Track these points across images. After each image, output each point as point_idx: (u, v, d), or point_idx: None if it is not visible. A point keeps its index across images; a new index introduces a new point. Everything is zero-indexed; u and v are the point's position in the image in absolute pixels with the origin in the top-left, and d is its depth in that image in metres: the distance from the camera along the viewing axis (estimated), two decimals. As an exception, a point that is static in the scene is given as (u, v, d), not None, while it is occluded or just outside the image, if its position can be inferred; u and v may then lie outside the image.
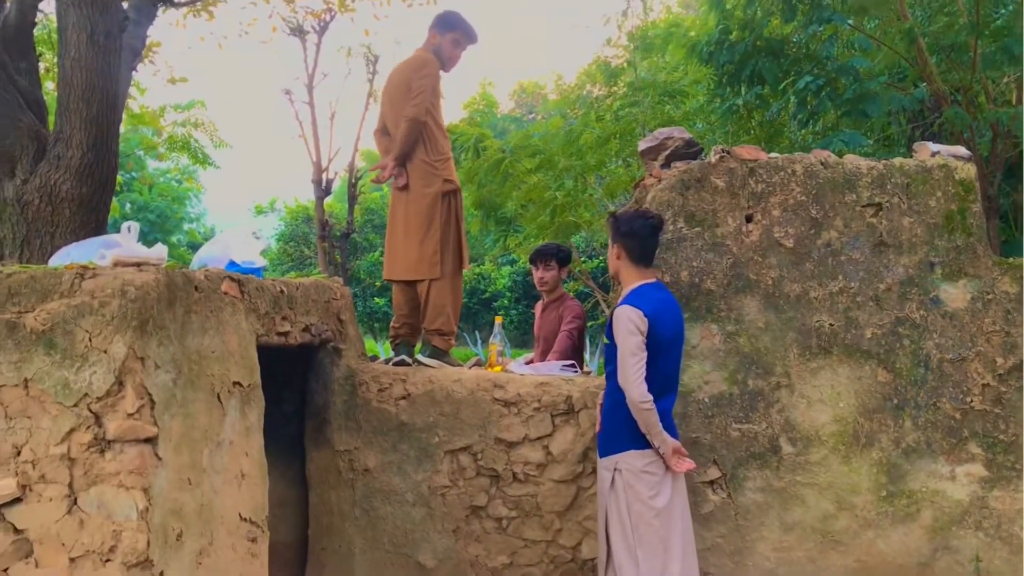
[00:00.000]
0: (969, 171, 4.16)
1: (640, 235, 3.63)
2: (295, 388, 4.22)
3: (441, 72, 4.88)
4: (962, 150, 4.24)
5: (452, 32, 4.88)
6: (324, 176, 13.60)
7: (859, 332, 4.10)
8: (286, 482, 4.17)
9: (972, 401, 4.06)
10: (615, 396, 3.52)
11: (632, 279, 3.65)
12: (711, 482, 4.10)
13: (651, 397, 3.39)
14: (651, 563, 3.41)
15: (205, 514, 2.79)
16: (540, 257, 5.50)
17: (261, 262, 3.74)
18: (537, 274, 5.50)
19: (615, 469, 3.51)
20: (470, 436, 4.09)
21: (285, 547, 4.12)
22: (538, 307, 5.67)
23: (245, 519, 3.04)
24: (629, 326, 3.42)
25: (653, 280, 3.69)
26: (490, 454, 4.08)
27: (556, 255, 5.49)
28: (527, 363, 4.98)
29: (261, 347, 3.33)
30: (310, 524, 4.13)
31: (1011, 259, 4.15)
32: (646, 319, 3.42)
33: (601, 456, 3.63)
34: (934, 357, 4.08)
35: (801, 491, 4.07)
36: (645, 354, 3.41)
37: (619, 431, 3.52)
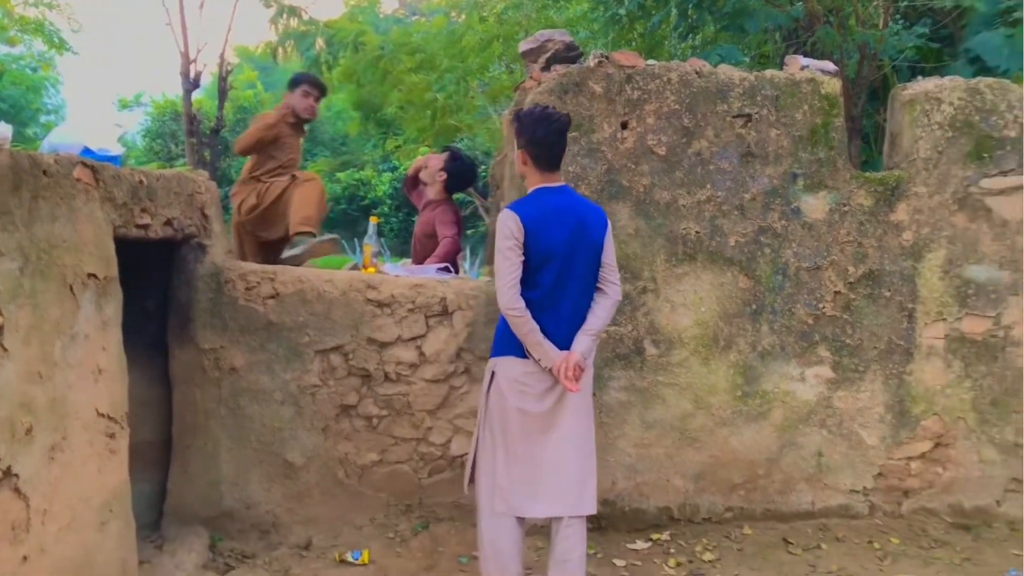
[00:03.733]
0: (835, 86, 4.30)
1: (547, 141, 3.36)
2: (156, 284, 4.06)
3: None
4: (829, 65, 4.37)
5: (298, 86, 5.60)
6: (192, 68, 12.90)
7: (723, 240, 4.24)
8: (148, 381, 4.04)
9: (824, 307, 4.29)
10: None
11: (534, 182, 3.44)
12: (578, 382, 4.21)
13: (521, 305, 3.23)
14: (508, 469, 3.37)
15: (58, 409, 2.68)
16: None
17: (119, 150, 3.52)
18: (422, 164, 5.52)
19: (492, 372, 3.45)
20: (341, 336, 4.05)
21: (148, 446, 4.02)
22: (418, 199, 5.66)
23: (103, 415, 2.94)
24: (503, 229, 3.27)
25: (556, 184, 3.42)
26: (362, 354, 4.07)
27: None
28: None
29: (120, 240, 3.17)
30: (174, 423, 4.04)
31: (867, 173, 4.35)
32: (522, 225, 3.23)
33: (490, 357, 3.55)
34: (792, 265, 4.27)
35: (662, 391, 4.24)
36: (519, 260, 3.24)
37: (503, 335, 3.43)
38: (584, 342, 3.34)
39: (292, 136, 5.60)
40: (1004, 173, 4.30)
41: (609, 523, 4.25)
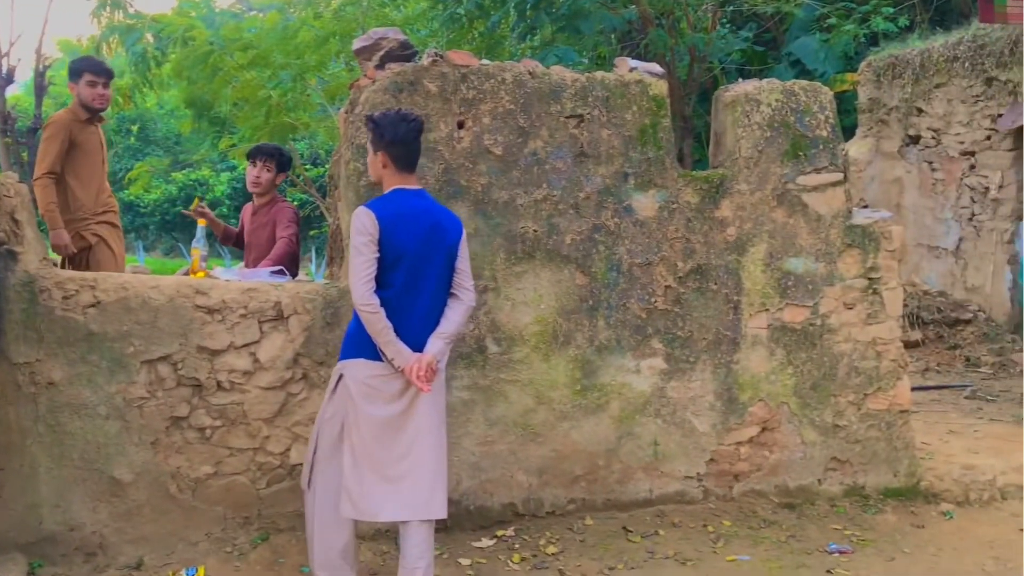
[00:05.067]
0: (661, 87, 4.45)
1: (405, 141, 3.40)
2: (-38, 296, 3.77)
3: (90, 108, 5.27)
4: (656, 67, 4.53)
5: (80, 76, 5.23)
6: (5, 62, 12.02)
7: (560, 238, 4.32)
8: (-46, 400, 3.75)
9: (656, 301, 4.44)
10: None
11: (392, 184, 3.46)
12: (420, 383, 4.19)
13: (375, 301, 3.25)
14: (356, 472, 3.35)
15: None
16: (259, 155, 5.17)
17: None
18: (253, 172, 5.19)
19: (340, 375, 3.43)
20: (169, 345, 3.87)
21: (-45, 470, 3.73)
22: (246, 210, 5.38)
23: None
24: (358, 225, 3.27)
25: (413, 187, 3.49)
26: (192, 363, 3.90)
27: (277, 156, 5.23)
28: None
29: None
30: (-15, 444, 3.76)
31: (693, 172, 4.53)
32: (377, 222, 3.27)
33: (339, 360, 3.52)
34: (625, 262, 4.40)
35: (505, 388, 4.28)
36: (373, 256, 3.27)
37: (354, 338, 3.42)
38: (437, 345, 3.38)
39: (92, 133, 5.34)
40: (818, 170, 4.57)
41: (455, 522, 4.25)
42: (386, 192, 3.47)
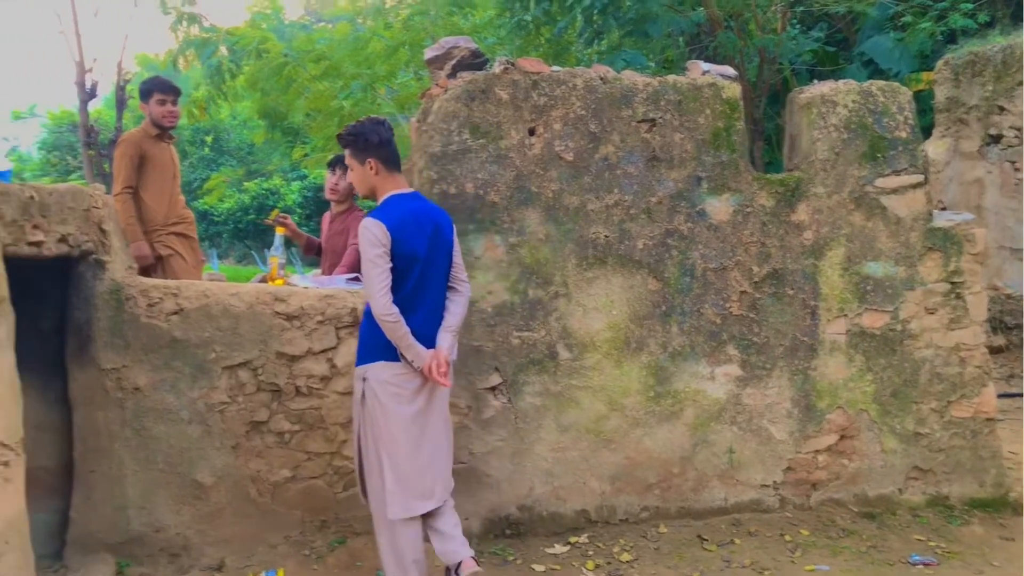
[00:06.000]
0: (735, 90, 4.40)
1: (388, 141, 3.53)
2: (54, 304, 3.90)
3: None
4: (729, 70, 4.48)
5: (150, 96, 5.47)
6: (88, 78, 12.44)
7: (632, 243, 4.30)
8: (45, 404, 3.87)
9: (731, 307, 4.38)
10: (368, 308, 3.49)
11: (387, 189, 3.53)
12: (492, 388, 4.21)
13: (395, 310, 3.33)
14: (395, 473, 3.42)
15: (-55, 439, 2.55)
16: (338, 163, 5.25)
17: (6, 165, 3.38)
18: (331, 180, 5.26)
19: (363, 379, 3.50)
20: (250, 351, 3.96)
21: (47, 472, 3.85)
22: (325, 218, 5.49)
23: (-5, 443, 2.81)
24: (370, 237, 3.33)
25: (408, 191, 3.59)
26: (271, 368, 3.98)
27: None
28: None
29: (10, 259, 3.04)
30: (75, 447, 3.88)
31: (768, 175, 4.46)
32: (388, 233, 3.34)
33: (356, 366, 3.59)
34: (699, 267, 4.35)
35: (576, 394, 4.27)
36: (387, 266, 3.35)
37: (370, 342, 3.49)
38: (447, 339, 3.52)
39: (163, 149, 5.52)
40: (897, 172, 4.46)
41: (528, 528, 4.26)
42: (383, 199, 3.54)
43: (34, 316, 3.69)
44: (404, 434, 3.44)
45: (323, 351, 4.03)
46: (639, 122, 4.30)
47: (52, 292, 3.88)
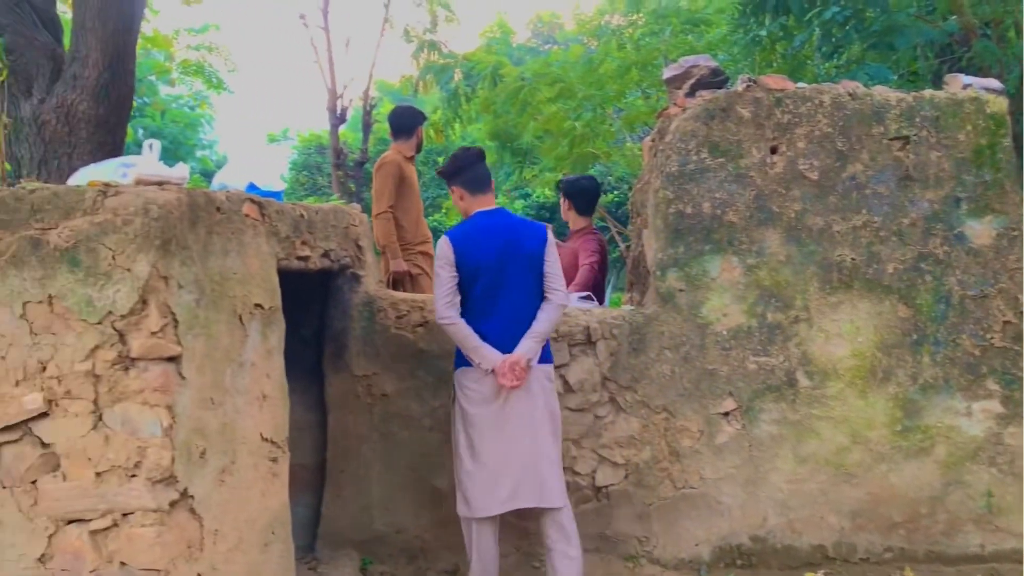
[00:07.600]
0: (1001, 104, 4.08)
1: (468, 166, 3.74)
2: (313, 314, 4.23)
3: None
4: (994, 82, 4.16)
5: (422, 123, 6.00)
6: (339, 104, 13.43)
7: (881, 267, 4.07)
8: (304, 406, 4.19)
9: (992, 338, 4.04)
10: None
11: (474, 209, 3.76)
12: (726, 414, 4.11)
13: (451, 314, 3.58)
14: (463, 471, 3.63)
15: (228, 433, 2.81)
16: (566, 195, 5.46)
17: (280, 186, 3.70)
18: (564, 207, 5.46)
19: (454, 384, 3.74)
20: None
21: (303, 469, 4.16)
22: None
23: (266, 439, 3.07)
24: (438, 253, 3.64)
25: (489, 208, 3.76)
26: (507, 382, 4.09)
27: (577, 198, 5.45)
28: None
29: (280, 271, 3.32)
30: (328, 447, 4.17)
31: (1039, 196, 4.09)
32: (452, 246, 3.60)
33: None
34: (956, 293, 4.06)
35: (816, 424, 4.09)
36: (450, 277, 3.59)
37: (458, 349, 3.70)
38: (526, 344, 3.60)
39: (412, 170, 5.92)
40: None
41: (760, 560, 4.12)
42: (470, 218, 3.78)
43: (296, 325, 4.01)
44: (477, 434, 3.61)
45: (556, 367, 4.10)
46: (891, 139, 4.07)
47: (312, 303, 4.20)
